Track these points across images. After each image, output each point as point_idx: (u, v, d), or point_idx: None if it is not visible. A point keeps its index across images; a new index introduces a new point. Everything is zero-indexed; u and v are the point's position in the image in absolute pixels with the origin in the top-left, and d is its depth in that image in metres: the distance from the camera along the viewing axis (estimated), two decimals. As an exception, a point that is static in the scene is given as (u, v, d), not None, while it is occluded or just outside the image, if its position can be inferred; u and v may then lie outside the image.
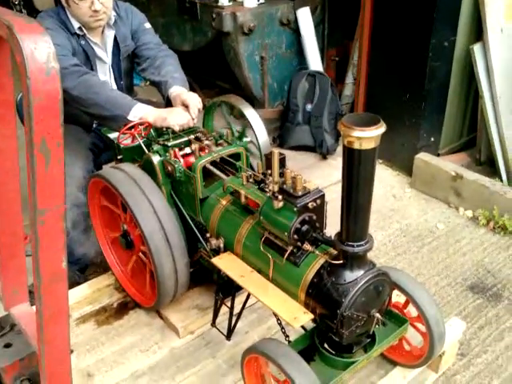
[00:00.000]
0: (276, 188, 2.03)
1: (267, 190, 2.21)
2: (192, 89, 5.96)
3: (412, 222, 3.91)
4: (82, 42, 3.00)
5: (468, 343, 2.83)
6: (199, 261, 2.69)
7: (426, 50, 3.92)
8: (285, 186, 2.05)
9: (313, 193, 2.07)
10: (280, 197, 2.03)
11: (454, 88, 4.25)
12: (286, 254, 2.11)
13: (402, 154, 4.40)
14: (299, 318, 2.03)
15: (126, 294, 2.98)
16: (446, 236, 3.76)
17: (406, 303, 2.36)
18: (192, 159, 2.59)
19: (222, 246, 2.43)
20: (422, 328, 2.30)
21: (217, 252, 2.46)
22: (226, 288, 2.45)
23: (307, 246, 2.06)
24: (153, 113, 2.77)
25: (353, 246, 1.91)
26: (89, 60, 3.05)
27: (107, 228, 3.03)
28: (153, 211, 2.49)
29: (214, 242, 2.45)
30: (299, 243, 2.07)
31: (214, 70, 5.81)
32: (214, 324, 2.51)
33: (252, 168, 2.76)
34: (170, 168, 2.56)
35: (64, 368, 1.21)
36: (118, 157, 2.97)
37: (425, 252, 3.59)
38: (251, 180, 2.37)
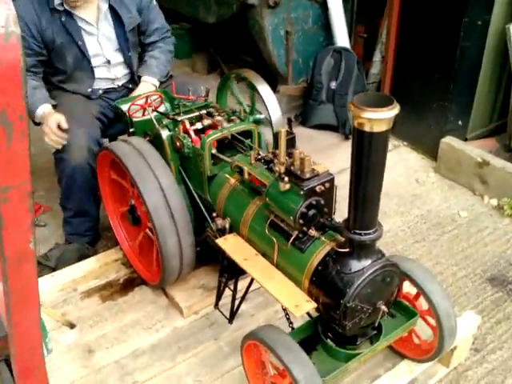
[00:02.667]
0: (282, 169, 1.93)
1: (275, 169, 2.12)
2: (216, 62, 5.93)
3: (433, 209, 3.76)
4: (63, 19, 2.92)
5: (483, 338, 2.71)
6: (206, 240, 2.62)
7: (457, 28, 3.72)
8: (292, 168, 1.95)
9: (321, 176, 1.96)
10: (286, 179, 1.92)
11: (485, 70, 4.04)
12: (291, 239, 2.01)
13: (428, 136, 4.23)
14: (301, 306, 1.94)
15: (132, 270, 2.94)
16: (467, 225, 3.60)
17: (418, 295, 2.25)
18: (202, 135, 2.50)
19: (227, 226, 2.35)
20: (433, 322, 2.20)
21: (223, 232, 2.38)
22: (231, 270, 2.37)
23: (313, 232, 1.97)
24: (48, 116, 2.80)
25: (360, 235, 1.81)
26: (70, 35, 2.97)
27: (117, 202, 2.98)
28: (159, 187, 2.42)
29: (219, 222, 2.36)
30: (305, 228, 1.97)
31: (238, 44, 5.67)
32: (217, 306, 2.45)
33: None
34: (178, 143, 2.48)
35: (35, 352, 1.14)
36: (130, 129, 2.89)
37: (444, 240, 3.45)
38: (260, 159, 2.27)
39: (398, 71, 4.36)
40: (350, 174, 1.74)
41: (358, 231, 1.81)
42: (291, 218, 1.94)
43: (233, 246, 2.25)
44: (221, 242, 2.27)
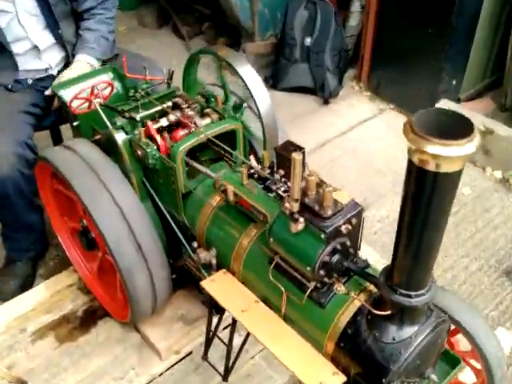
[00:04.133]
0: (296, 207, 1.39)
1: (275, 190, 1.60)
2: (167, 14, 5.16)
3: (432, 186, 3.31)
4: None
5: (511, 350, 2.35)
6: (183, 266, 2.09)
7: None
8: (307, 200, 1.42)
9: (347, 209, 1.44)
10: (302, 219, 1.40)
11: (482, 21, 3.53)
12: (308, 291, 1.51)
13: (418, 99, 3.73)
14: (326, 382, 1.46)
15: (92, 297, 2.39)
16: (472, 203, 3.19)
17: (455, 331, 1.81)
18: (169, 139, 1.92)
19: (214, 262, 1.82)
20: (477, 365, 1.78)
21: (207, 267, 1.85)
22: (220, 312, 1.86)
23: (339, 287, 1.47)
24: None
25: (409, 297, 1.32)
26: None
27: (65, 215, 2.39)
28: (118, 211, 1.85)
29: (203, 255, 1.83)
30: (326, 279, 1.47)
31: (192, -8, 4.94)
32: (205, 357, 1.95)
33: (251, 146, 2.10)
34: (140, 152, 1.89)
35: None
36: (74, 123, 2.26)
37: (450, 225, 3.02)
38: (253, 174, 1.72)
39: (382, 24, 3.79)
40: (400, 218, 1.23)
41: (405, 292, 1.32)
42: (309, 268, 1.43)
43: (224, 290, 1.73)
44: (207, 285, 1.74)
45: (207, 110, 2.02)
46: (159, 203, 2.01)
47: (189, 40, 4.85)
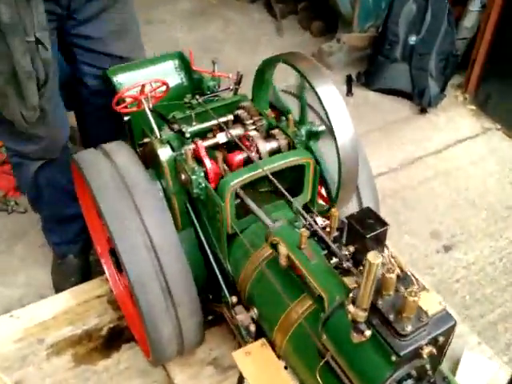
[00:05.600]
0: (362, 317, 1.00)
1: (340, 266, 1.21)
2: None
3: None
4: None
5: None
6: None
7: None
8: (380, 304, 1.02)
9: (435, 322, 1.03)
10: (368, 333, 1.01)
11: None
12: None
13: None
14: None
15: (122, 315, 2.12)
16: None
17: None
18: (219, 164, 1.57)
19: (252, 329, 1.47)
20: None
21: (245, 333, 1.50)
22: None
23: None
24: None
25: None
26: None
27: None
28: (148, 242, 1.53)
29: (241, 317, 1.49)
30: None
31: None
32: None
33: (322, 178, 1.69)
34: (183, 177, 1.55)
35: None
36: (125, 118, 1.96)
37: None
38: (314, 233, 1.34)
39: (505, 27, 3.21)
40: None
41: None
42: (368, 392, 1.05)
43: (259, 368, 1.38)
44: (240, 358, 1.40)
45: (275, 131, 1.64)
46: (201, 237, 1.66)
47: (281, 19, 4.43)
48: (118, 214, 1.54)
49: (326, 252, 1.30)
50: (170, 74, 2.09)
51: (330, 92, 1.50)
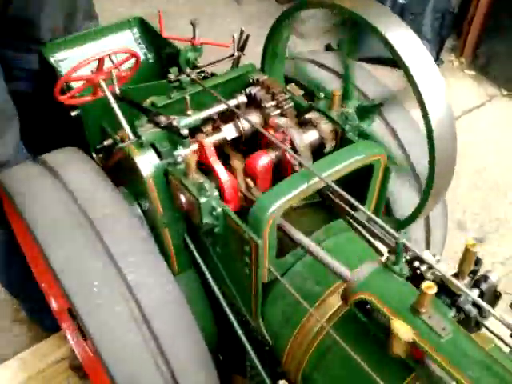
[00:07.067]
0: None
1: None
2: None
3: None
4: None
5: None
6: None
7: None
8: None
9: None
10: None
11: None
12: None
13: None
14: None
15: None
16: None
17: None
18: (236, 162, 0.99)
19: None
20: None
21: None
22: None
23: None
24: None
25: None
26: None
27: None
28: (137, 312, 0.94)
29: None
30: None
31: None
32: None
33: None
34: (184, 200, 0.96)
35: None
36: (72, 113, 1.34)
37: None
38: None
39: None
40: None
41: None
42: None
43: None
44: None
45: (311, 115, 1.08)
46: (212, 284, 1.08)
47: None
48: (74, 264, 0.94)
49: (453, 313, 0.76)
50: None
51: (407, 38, 0.97)
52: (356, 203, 0.86)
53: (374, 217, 0.84)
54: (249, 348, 1.04)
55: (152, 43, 1.57)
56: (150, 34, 1.57)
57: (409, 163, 1.25)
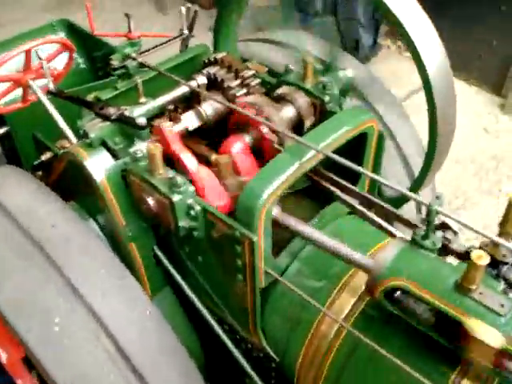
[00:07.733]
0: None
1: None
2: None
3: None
4: None
5: None
6: None
7: None
8: None
9: None
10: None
11: None
12: None
13: (488, 62, 2.75)
14: None
15: None
16: None
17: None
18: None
19: None
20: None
21: None
22: None
23: None
24: None
25: None
26: None
27: None
28: (113, 350, 0.76)
29: None
30: None
31: None
32: None
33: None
34: (152, 203, 0.79)
35: None
36: (1, 130, 1.15)
37: None
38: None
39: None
40: None
41: None
42: None
43: None
44: None
45: (284, 90, 0.93)
46: (195, 301, 0.91)
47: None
48: (26, 300, 0.76)
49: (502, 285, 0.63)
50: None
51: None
52: (363, 170, 0.72)
53: (390, 184, 0.70)
54: (249, 370, 0.87)
55: (83, 46, 1.40)
56: (79, 37, 1.40)
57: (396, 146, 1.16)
